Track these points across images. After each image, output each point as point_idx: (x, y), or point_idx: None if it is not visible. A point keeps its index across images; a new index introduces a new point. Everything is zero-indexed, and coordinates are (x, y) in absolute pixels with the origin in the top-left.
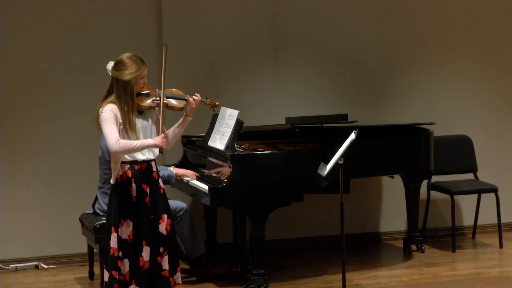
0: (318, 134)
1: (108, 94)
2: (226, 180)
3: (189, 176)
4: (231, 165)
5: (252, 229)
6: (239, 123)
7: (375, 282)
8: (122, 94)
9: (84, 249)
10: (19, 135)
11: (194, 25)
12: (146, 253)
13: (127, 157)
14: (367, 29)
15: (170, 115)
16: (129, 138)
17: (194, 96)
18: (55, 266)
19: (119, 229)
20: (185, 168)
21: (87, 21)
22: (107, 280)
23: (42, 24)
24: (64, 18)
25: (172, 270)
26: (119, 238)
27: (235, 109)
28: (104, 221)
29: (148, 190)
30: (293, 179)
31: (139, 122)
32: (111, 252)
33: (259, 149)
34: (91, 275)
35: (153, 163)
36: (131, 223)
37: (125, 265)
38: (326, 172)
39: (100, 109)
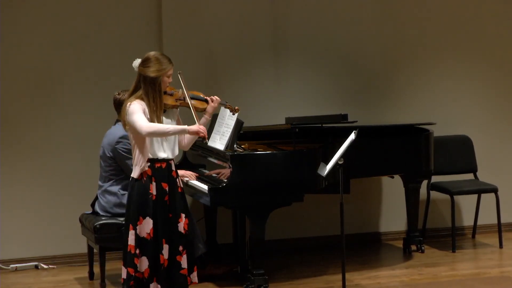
0: (318, 134)
1: (134, 90)
2: (226, 180)
3: (188, 176)
4: (231, 165)
5: (252, 229)
6: (239, 123)
7: (375, 282)
8: (150, 91)
9: (84, 249)
10: (19, 135)
11: (194, 25)
12: (166, 251)
13: (149, 155)
14: (367, 29)
15: (187, 117)
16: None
17: (212, 97)
18: (55, 266)
19: (137, 227)
20: (185, 169)
21: (87, 21)
22: (124, 277)
23: (42, 24)
24: (64, 18)
25: (190, 269)
26: (136, 235)
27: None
28: (104, 221)
29: (167, 189)
30: (293, 179)
31: (163, 121)
32: (128, 249)
33: (259, 149)
34: (91, 275)
35: (172, 162)
36: (151, 221)
37: (143, 263)
38: (326, 172)
39: (128, 103)
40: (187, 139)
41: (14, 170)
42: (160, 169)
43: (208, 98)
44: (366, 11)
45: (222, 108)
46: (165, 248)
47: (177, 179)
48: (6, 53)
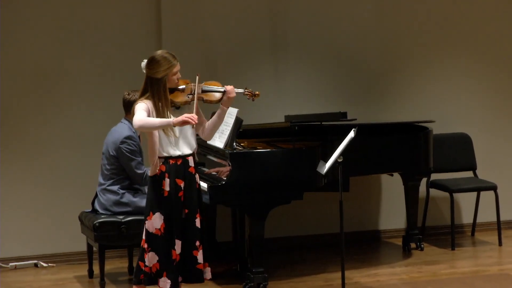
0: (317, 132)
1: (144, 92)
2: (225, 178)
3: None
4: (230, 163)
5: (251, 227)
6: (238, 121)
7: (374, 280)
8: (155, 91)
9: (84, 248)
10: (18, 134)
11: (193, 23)
12: (177, 246)
13: (163, 153)
14: (366, 27)
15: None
16: (167, 134)
17: (227, 87)
18: (55, 265)
19: (146, 222)
20: None
21: (86, 21)
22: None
23: (41, 22)
24: (63, 18)
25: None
26: (146, 230)
27: (234, 107)
28: (104, 219)
29: (182, 185)
30: (292, 177)
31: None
32: (141, 244)
33: (258, 147)
34: (91, 273)
35: (190, 158)
36: (162, 217)
37: (150, 258)
38: (325, 170)
39: (136, 104)
40: (206, 130)
41: (14, 168)
42: (175, 166)
43: (228, 88)
44: (365, 9)
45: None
46: (177, 244)
47: (195, 175)
48: (5, 51)
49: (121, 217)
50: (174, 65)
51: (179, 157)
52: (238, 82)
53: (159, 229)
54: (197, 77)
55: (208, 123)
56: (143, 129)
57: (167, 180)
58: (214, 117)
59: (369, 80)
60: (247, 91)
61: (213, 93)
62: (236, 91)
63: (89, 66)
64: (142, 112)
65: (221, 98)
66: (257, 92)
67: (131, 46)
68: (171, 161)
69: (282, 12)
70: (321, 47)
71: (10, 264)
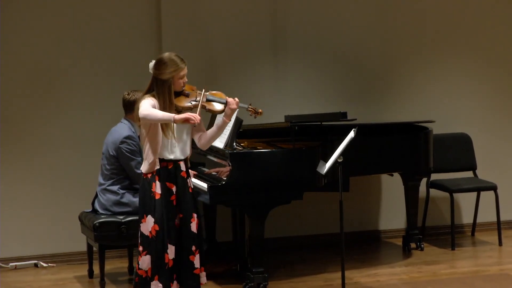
0: (317, 132)
1: (148, 91)
2: (225, 178)
3: None
4: (230, 163)
5: (251, 227)
6: (238, 121)
7: (374, 280)
8: (161, 92)
9: (84, 248)
10: (18, 134)
11: (193, 23)
12: (170, 251)
13: (161, 155)
14: (366, 27)
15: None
16: (166, 136)
17: (230, 99)
18: (55, 265)
19: (141, 224)
20: None
21: (86, 20)
22: None
23: (42, 22)
24: (63, 17)
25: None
26: (141, 233)
27: None
28: (104, 220)
29: (174, 189)
30: (292, 177)
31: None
32: (138, 246)
33: (258, 147)
34: (91, 273)
35: (181, 163)
36: (153, 219)
37: (145, 261)
38: (325, 170)
39: (142, 100)
40: (203, 138)
41: (14, 168)
42: (165, 169)
43: (229, 100)
44: (365, 9)
45: None
46: (170, 248)
47: (188, 180)
48: (5, 51)
49: (121, 217)
50: (181, 68)
51: (170, 161)
52: (238, 82)
53: (151, 232)
54: (203, 89)
55: (207, 132)
56: (147, 120)
57: (158, 183)
58: (214, 127)
59: (369, 80)
60: (251, 108)
61: (216, 103)
62: (240, 105)
63: (89, 66)
64: (148, 105)
65: (223, 110)
66: (260, 110)
67: (131, 46)
68: (162, 164)
69: (282, 12)
70: (321, 47)
71: (10, 264)
